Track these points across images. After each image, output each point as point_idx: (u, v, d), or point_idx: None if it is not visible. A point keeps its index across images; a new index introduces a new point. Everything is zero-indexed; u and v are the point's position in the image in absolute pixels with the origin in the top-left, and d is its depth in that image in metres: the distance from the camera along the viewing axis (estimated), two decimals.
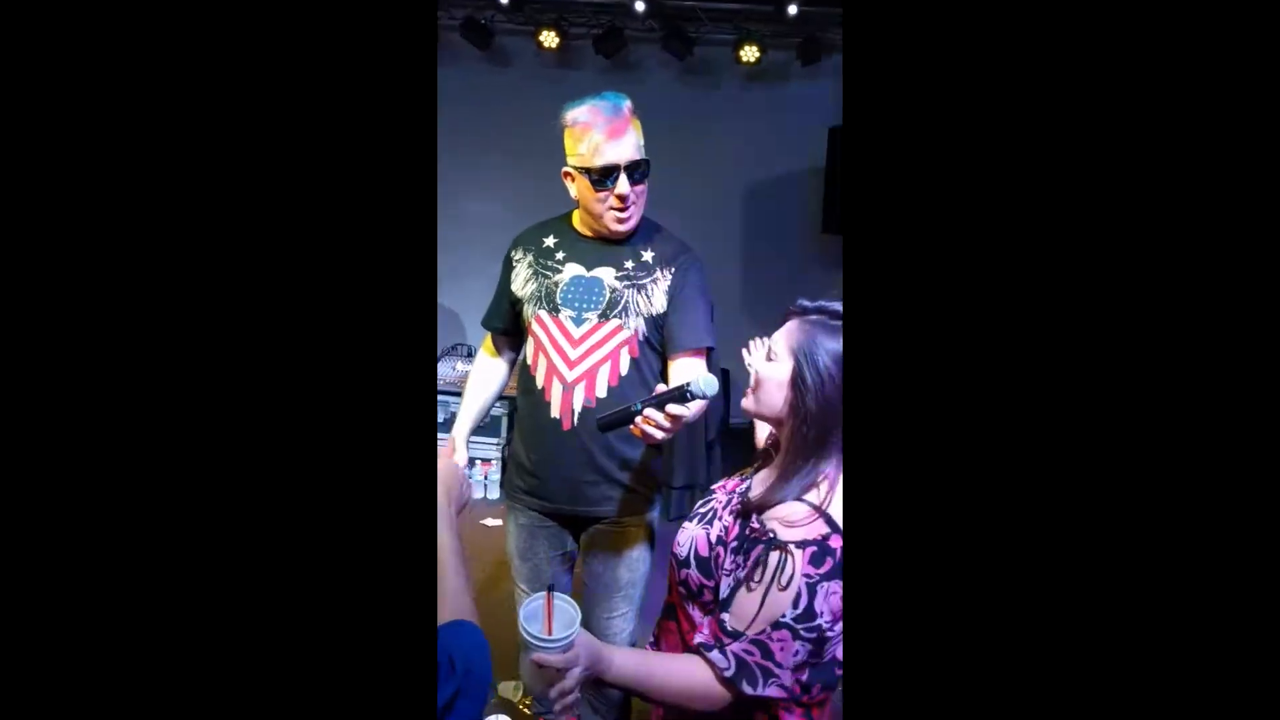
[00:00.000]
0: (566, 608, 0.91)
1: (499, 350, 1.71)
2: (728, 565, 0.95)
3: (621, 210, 1.41)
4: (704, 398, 1.06)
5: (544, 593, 0.91)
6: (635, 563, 1.59)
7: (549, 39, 4.05)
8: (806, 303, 1.00)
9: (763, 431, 1.33)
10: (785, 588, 0.87)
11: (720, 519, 1.02)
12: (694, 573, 1.00)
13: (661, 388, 1.10)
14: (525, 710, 2.00)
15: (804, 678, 0.91)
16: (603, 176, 1.38)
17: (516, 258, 1.58)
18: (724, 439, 3.37)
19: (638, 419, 1.09)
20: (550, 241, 1.54)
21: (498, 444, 3.46)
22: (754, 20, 3.98)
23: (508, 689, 2.09)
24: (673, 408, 1.07)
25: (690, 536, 1.03)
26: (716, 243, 4.04)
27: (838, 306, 0.97)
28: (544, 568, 1.64)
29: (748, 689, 0.88)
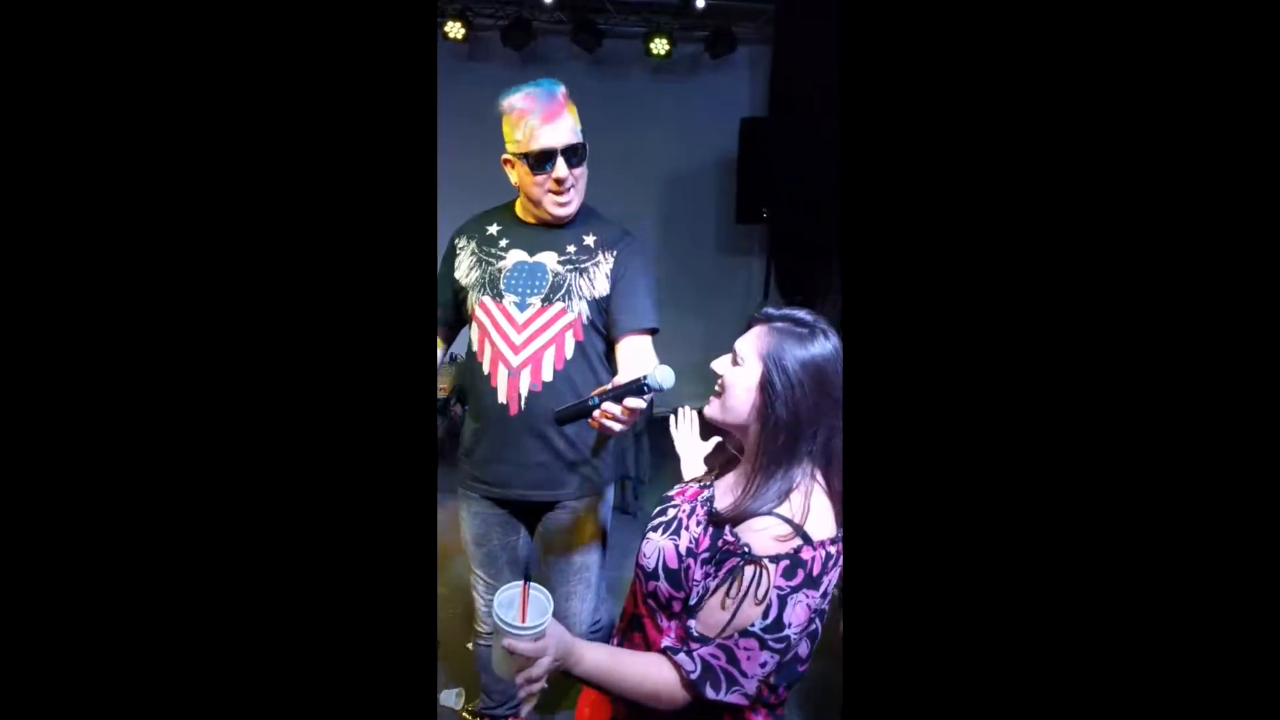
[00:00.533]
0: (540, 597, 0.93)
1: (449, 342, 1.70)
2: (698, 576, 0.95)
3: (560, 194, 1.44)
4: (660, 390, 1.07)
5: (520, 582, 0.93)
6: (590, 546, 1.62)
7: (455, 30, 3.95)
8: (772, 310, 1.00)
9: (686, 446, 1.34)
10: (760, 602, 0.88)
11: (687, 529, 1.01)
12: (663, 585, 0.99)
13: (618, 380, 1.10)
14: (467, 717, 1.98)
15: (771, 681, 0.93)
16: (540, 161, 1.40)
17: (460, 245, 1.58)
18: (650, 429, 3.42)
19: (595, 413, 1.09)
20: (493, 229, 1.55)
21: None
22: (663, 13, 4.02)
23: (449, 697, 2.06)
24: (630, 401, 1.07)
25: (657, 548, 1.02)
26: (631, 235, 4.06)
27: (804, 315, 0.98)
28: (499, 553, 1.66)
29: (710, 693, 0.89)
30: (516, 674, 0.89)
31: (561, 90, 1.44)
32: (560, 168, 1.41)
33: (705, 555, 0.95)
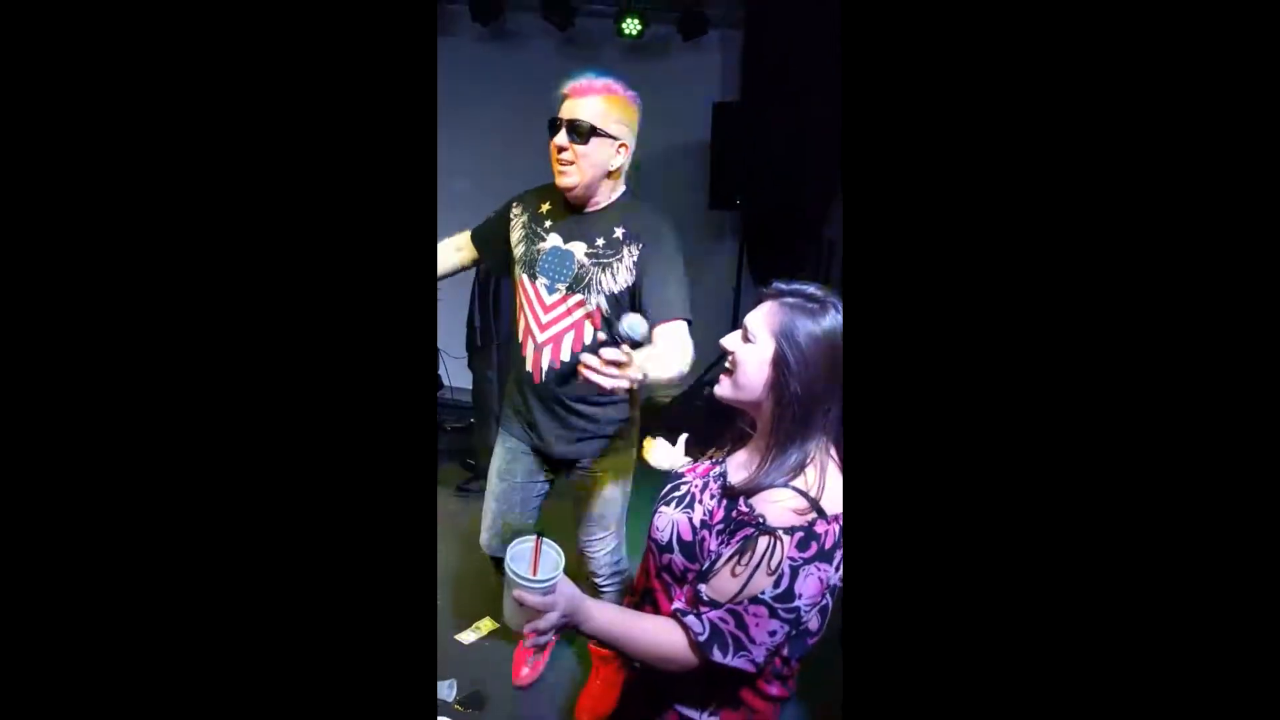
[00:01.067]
0: (552, 553, 0.96)
1: (465, 249, 1.81)
2: (713, 547, 0.97)
3: (561, 164, 1.54)
4: (632, 339, 1.13)
5: (533, 537, 0.95)
6: (610, 501, 1.77)
7: None
8: (782, 285, 1.01)
9: (665, 460, 1.35)
10: (773, 572, 0.89)
11: (700, 502, 1.02)
12: (678, 557, 1.00)
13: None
14: (459, 709, 1.96)
15: (783, 653, 0.94)
16: (553, 128, 1.52)
17: (515, 213, 1.71)
18: None
19: (578, 367, 1.16)
20: (545, 207, 1.67)
21: None
22: None
23: (443, 689, 2.04)
24: (606, 351, 1.13)
25: (670, 521, 1.03)
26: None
27: (814, 289, 0.99)
28: (516, 492, 1.82)
29: (718, 655, 0.90)
30: (525, 625, 0.91)
31: (611, 82, 1.58)
32: (561, 136, 1.52)
33: (720, 526, 0.96)
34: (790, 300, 0.98)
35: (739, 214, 4.19)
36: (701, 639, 0.91)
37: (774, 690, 1.01)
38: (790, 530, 0.90)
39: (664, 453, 1.31)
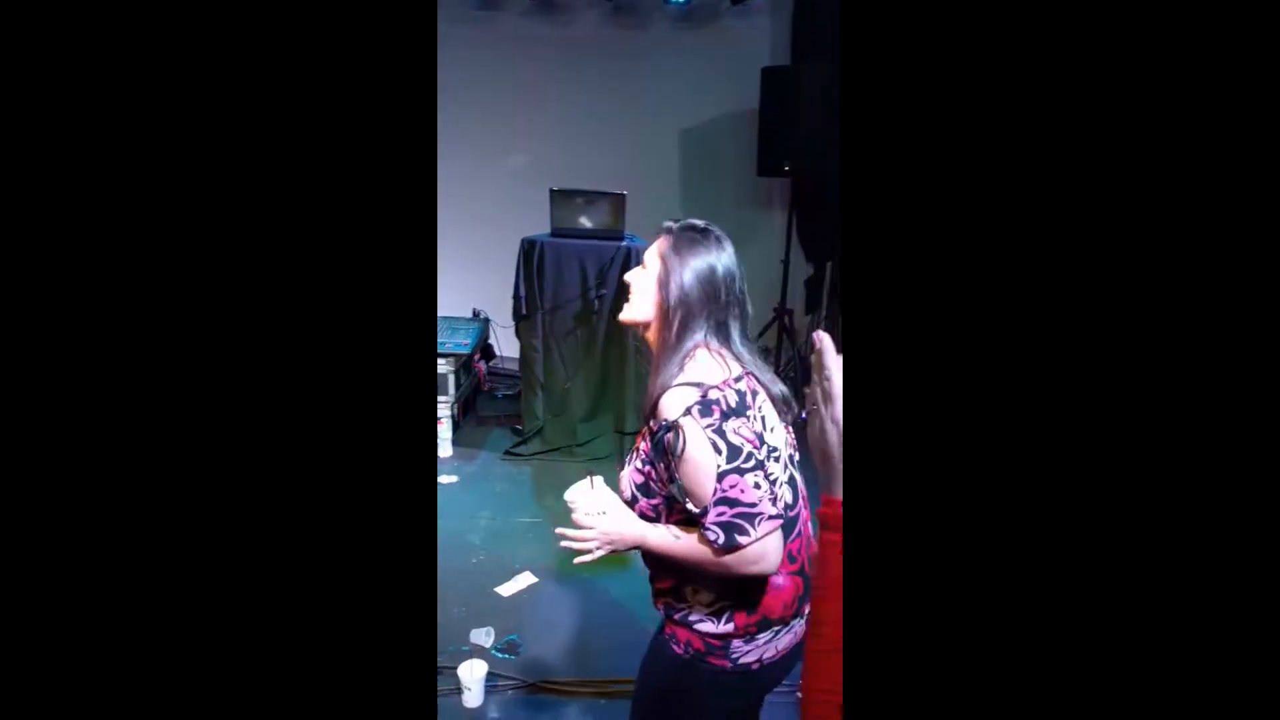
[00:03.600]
0: (602, 486, 1.12)
1: None
2: (657, 476, 1.06)
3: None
4: None
5: (587, 476, 1.12)
6: None
7: None
8: (671, 223, 1.12)
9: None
10: (690, 450, 0.98)
11: (636, 451, 1.12)
12: (643, 502, 1.09)
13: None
14: (497, 656, 2.08)
15: (787, 502, 1.03)
16: None
17: None
18: None
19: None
20: None
21: (445, 402, 3.44)
22: None
23: (479, 635, 2.16)
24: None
25: (626, 476, 1.13)
26: (654, 186, 4.03)
27: (698, 222, 1.12)
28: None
29: (742, 539, 0.98)
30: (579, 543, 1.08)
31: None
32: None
33: (650, 455, 1.06)
34: (677, 232, 1.10)
35: (787, 181, 4.12)
36: (720, 543, 0.98)
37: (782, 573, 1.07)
38: (686, 412, 0.99)
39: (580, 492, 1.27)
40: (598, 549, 1.08)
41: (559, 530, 1.11)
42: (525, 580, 2.46)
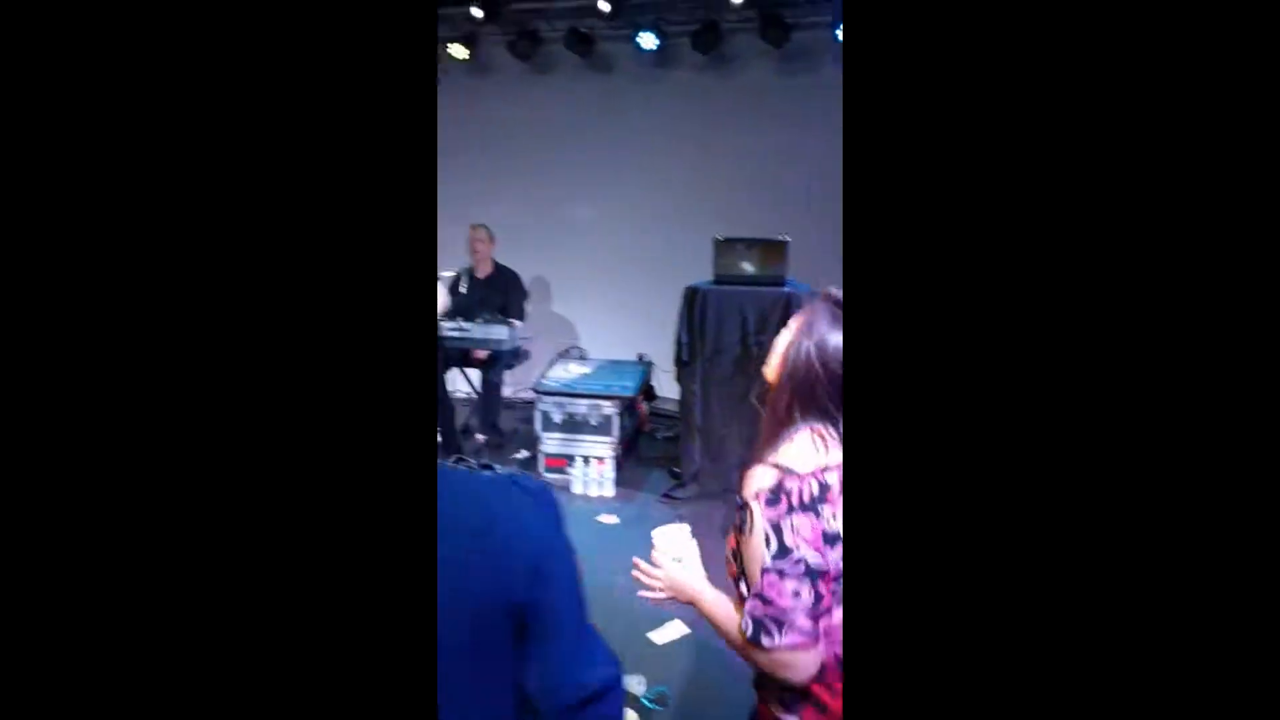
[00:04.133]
0: (687, 535, 1.14)
1: None
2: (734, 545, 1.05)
3: None
4: None
5: (680, 523, 1.16)
6: None
7: (648, 41, 4.11)
8: (833, 289, 1.05)
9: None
10: (752, 534, 0.96)
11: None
12: (733, 565, 1.07)
13: None
14: (647, 705, 2.08)
15: (830, 619, 0.96)
16: None
17: None
18: None
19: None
20: None
21: (610, 443, 3.56)
22: None
23: (631, 682, 2.18)
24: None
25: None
26: (825, 230, 3.94)
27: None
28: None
29: (766, 640, 0.94)
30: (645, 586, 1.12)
31: None
32: None
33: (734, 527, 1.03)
34: (824, 303, 1.03)
35: None
36: (749, 634, 0.96)
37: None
38: (757, 495, 0.95)
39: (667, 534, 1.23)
40: (659, 591, 1.11)
41: (635, 560, 1.14)
42: (678, 630, 2.44)
